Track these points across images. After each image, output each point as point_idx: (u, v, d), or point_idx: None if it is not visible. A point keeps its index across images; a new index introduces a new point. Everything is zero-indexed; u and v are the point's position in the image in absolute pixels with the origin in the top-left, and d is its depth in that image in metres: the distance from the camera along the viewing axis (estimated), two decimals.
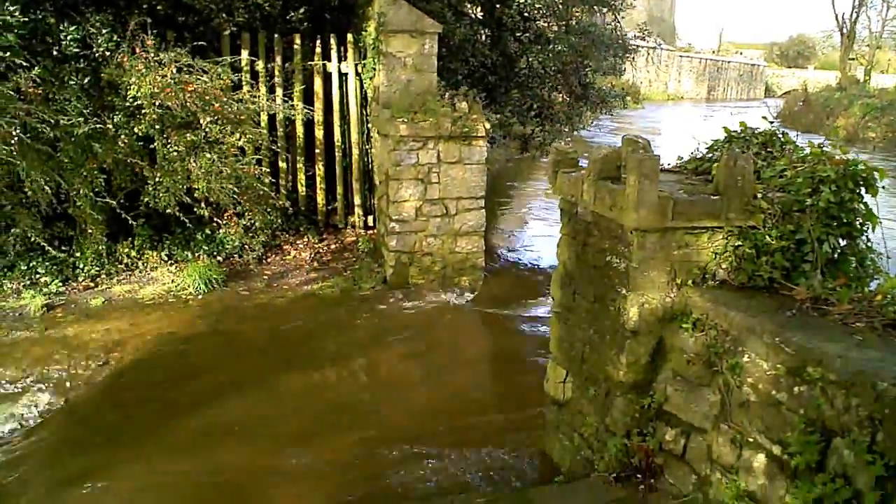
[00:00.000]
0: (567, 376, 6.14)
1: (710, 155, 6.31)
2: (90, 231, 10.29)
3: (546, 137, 16.64)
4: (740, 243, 5.23)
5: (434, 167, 10.78)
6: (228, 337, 9.13)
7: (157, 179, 10.24)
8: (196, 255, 11.12)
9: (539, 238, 14.57)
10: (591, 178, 5.54)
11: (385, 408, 7.67)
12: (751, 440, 4.58)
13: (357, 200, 12.78)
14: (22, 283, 10.05)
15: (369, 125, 12.50)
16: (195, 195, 10.35)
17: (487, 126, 10.90)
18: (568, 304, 6.07)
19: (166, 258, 10.97)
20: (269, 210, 11.35)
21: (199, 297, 10.15)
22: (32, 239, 9.76)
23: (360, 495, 6.20)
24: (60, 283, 10.13)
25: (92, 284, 10.34)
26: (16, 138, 8.57)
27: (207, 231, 11.38)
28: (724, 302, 5.00)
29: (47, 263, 10.32)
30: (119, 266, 10.72)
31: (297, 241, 12.28)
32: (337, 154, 12.55)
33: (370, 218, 12.83)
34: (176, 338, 8.95)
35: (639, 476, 5.22)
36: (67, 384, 7.89)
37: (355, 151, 12.56)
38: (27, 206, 10.02)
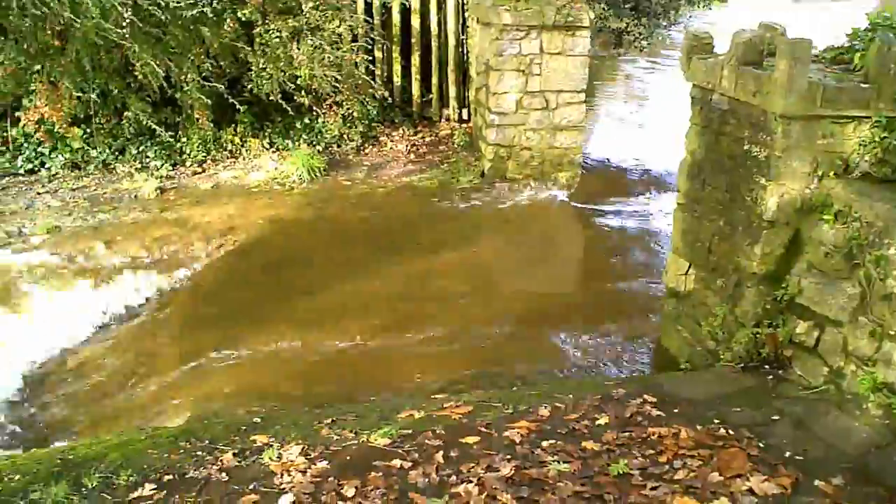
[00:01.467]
0: (689, 268, 6.11)
1: (851, 44, 6.00)
2: (197, 117, 10.46)
3: (642, 32, 16.06)
4: (887, 135, 5.03)
5: (536, 58, 10.53)
6: (334, 224, 9.31)
7: (260, 65, 10.29)
8: (296, 143, 11.25)
9: (623, 139, 14.24)
10: (732, 63, 5.35)
11: (486, 295, 7.75)
12: (892, 332, 4.52)
13: (452, 92, 12.64)
14: (133, 167, 10.35)
15: (466, 14, 12.23)
16: (298, 82, 10.40)
17: (591, 16, 10.55)
18: (695, 195, 5.98)
19: (268, 146, 11.13)
20: (367, 100, 11.35)
21: (303, 185, 10.32)
22: (144, 122, 10.00)
23: (474, 373, 6.36)
24: (170, 167, 10.40)
25: (199, 170, 10.60)
26: (127, 21, 8.65)
27: (306, 120, 11.46)
28: (868, 193, 4.86)
29: (156, 148, 10.60)
30: (223, 152, 10.93)
31: (393, 133, 12.28)
32: (433, 44, 12.35)
33: (465, 111, 12.70)
34: (285, 223, 9.17)
35: (766, 367, 5.23)
36: (188, 263, 8.20)
37: (451, 41, 12.34)
38: (137, 90, 10.26)
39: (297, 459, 4.21)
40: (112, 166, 10.43)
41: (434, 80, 12.58)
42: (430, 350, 6.66)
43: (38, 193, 9.71)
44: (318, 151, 11.22)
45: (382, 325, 7.01)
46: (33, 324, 7.10)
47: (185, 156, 10.73)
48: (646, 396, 4.86)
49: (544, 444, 4.27)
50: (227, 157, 10.96)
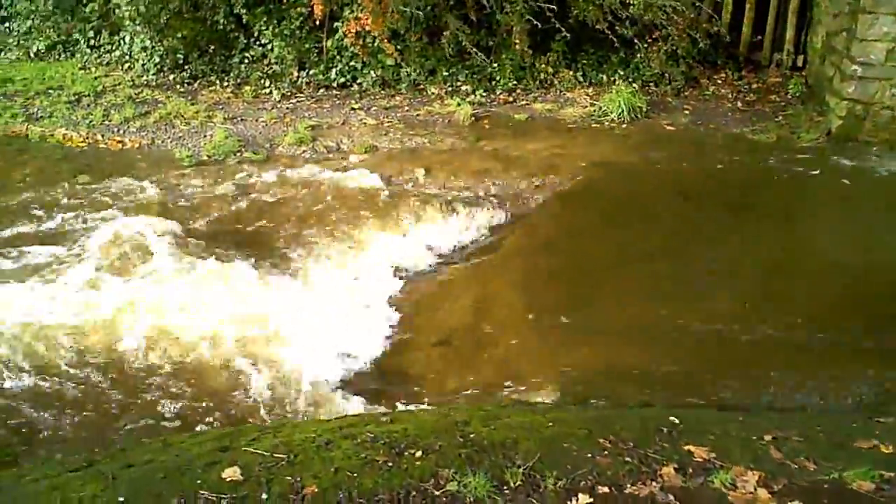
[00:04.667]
0: None
1: None
2: (514, 42, 9.63)
3: None
4: None
5: None
6: (664, 174, 8.19)
7: None
8: (611, 78, 10.16)
9: None
10: None
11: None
12: None
13: (789, 35, 10.91)
14: (444, 90, 9.77)
15: None
16: (630, 11, 9.26)
17: None
18: None
19: (581, 79, 10.15)
20: (700, 36, 9.99)
21: (623, 125, 9.26)
22: (463, 43, 9.34)
23: None
24: (483, 94, 9.70)
25: (510, 99, 9.84)
26: None
27: (622, 54, 10.30)
28: None
29: (466, 72, 9.97)
30: (534, 82, 10.09)
31: (714, 76, 10.85)
32: None
33: (800, 58, 10.94)
34: (610, 168, 8.18)
35: None
36: (515, 202, 7.49)
37: None
38: (451, 8, 9.59)
39: (759, 493, 3.25)
40: (422, 87, 9.92)
41: (770, 20, 10.90)
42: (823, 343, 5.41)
43: (353, 109, 9.39)
44: (636, 90, 10.05)
45: (756, 304, 5.84)
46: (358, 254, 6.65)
47: (494, 82, 10.00)
48: None
49: None
50: (538, 88, 10.11)
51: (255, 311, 5.78)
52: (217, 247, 6.46)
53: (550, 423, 3.79)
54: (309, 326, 5.69)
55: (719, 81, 10.76)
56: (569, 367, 5.03)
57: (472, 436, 3.59)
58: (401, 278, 6.39)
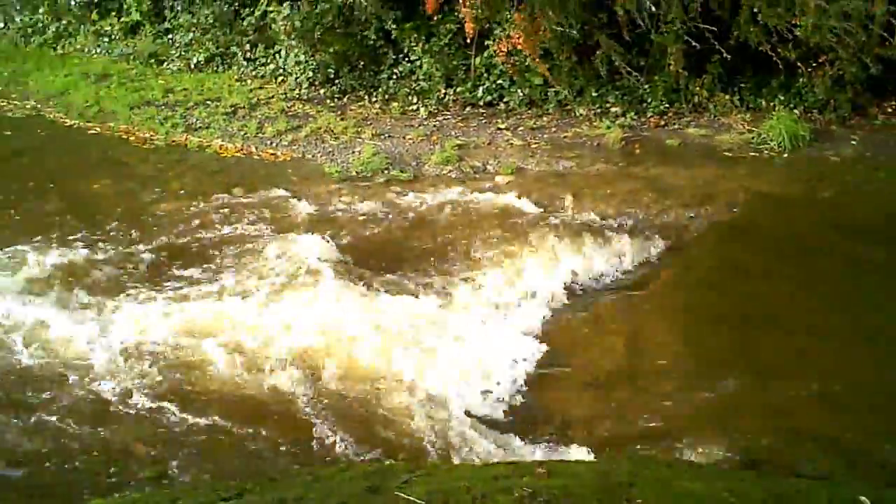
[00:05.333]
0: None
1: None
2: (669, 63, 9.25)
3: None
4: None
5: None
6: (830, 208, 7.62)
7: (754, 9, 8.75)
8: (770, 103, 9.59)
9: None
10: None
11: None
12: None
13: None
14: (592, 111, 9.50)
15: None
16: (797, 32, 8.70)
17: None
18: None
19: (738, 103, 9.63)
20: (870, 60, 9.27)
21: (784, 154, 8.70)
22: (617, 64, 9.06)
23: None
24: (633, 116, 9.37)
25: (661, 122, 9.45)
26: None
27: (783, 78, 9.71)
28: None
29: (616, 93, 9.65)
30: (687, 106, 9.65)
31: (884, 104, 10.05)
32: None
33: None
34: (771, 200, 7.71)
35: None
36: (670, 233, 7.13)
37: None
38: (608, 27, 9.31)
39: None
40: (569, 108, 9.68)
41: None
42: None
43: (499, 129, 9.27)
44: (798, 116, 9.45)
45: None
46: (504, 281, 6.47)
47: (645, 105, 9.64)
48: None
49: None
50: (691, 111, 9.66)
51: (400, 333, 5.69)
52: (366, 266, 6.45)
53: (727, 494, 3.48)
54: (454, 354, 5.56)
55: (889, 110, 9.99)
56: (737, 422, 4.67)
57: (638, 502, 3.34)
58: (548, 308, 6.17)
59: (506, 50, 9.23)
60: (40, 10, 13.31)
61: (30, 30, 13.46)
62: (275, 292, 5.98)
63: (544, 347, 5.69)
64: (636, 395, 5.23)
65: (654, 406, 5.11)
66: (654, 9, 8.50)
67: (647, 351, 5.62)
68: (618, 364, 5.52)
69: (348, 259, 6.55)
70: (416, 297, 6.10)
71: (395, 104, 9.94)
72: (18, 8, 13.79)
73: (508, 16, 9.28)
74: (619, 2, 8.83)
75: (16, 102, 10.65)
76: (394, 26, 10.12)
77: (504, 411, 5.18)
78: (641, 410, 5.08)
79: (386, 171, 8.28)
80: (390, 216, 7.46)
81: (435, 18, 9.99)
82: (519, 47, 9.08)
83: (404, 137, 9.10)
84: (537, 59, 9.17)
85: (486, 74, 9.95)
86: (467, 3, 9.26)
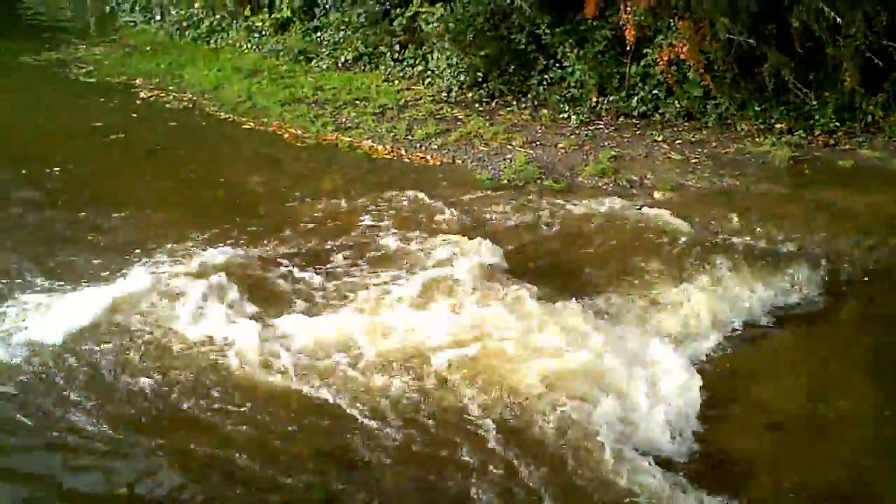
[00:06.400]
0: None
1: None
2: (843, 79, 8.65)
3: None
4: None
5: None
6: None
7: None
8: None
9: None
10: None
11: None
12: None
13: None
14: (755, 127, 9.00)
15: None
16: None
17: None
18: None
19: None
20: None
21: None
22: (786, 78, 8.55)
23: None
24: (803, 134, 8.80)
25: (830, 141, 8.85)
26: None
27: None
28: None
29: (781, 108, 9.11)
30: (859, 125, 9.01)
31: None
32: None
33: None
34: None
35: None
36: (840, 261, 6.61)
37: None
38: (777, 38, 8.80)
39: None
40: (730, 122, 9.20)
41: None
42: None
43: (655, 141, 8.89)
44: None
45: None
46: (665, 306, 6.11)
47: (813, 122, 9.04)
48: None
49: None
50: (863, 131, 9.02)
51: (555, 354, 5.42)
52: (519, 278, 6.23)
53: None
54: (617, 382, 5.26)
55: None
56: None
57: None
58: (717, 339, 5.79)
59: (667, 59, 8.84)
60: (195, 5, 13.79)
61: (185, 23, 13.97)
62: (440, 298, 5.82)
63: (716, 382, 5.32)
64: (821, 441, 4.82)
65: (841, 456, 4.70)
66: (838, 20, 7.94)
67: (830, 392, 5.19)
68: (799, 405, 5.12)
69: (501, 269, 6.35)
70: (577, 313, 5.81)
71: (545, 111, 9.71)
72: (175, 2, 14.32)
73: (672, 23, 8.90)
74: (794, 12, 8.32)
75: (174, 94, 11.00)
76: (546, 31, 9.90)
77: (673, 449, 4.85)
78: (828, 460, 4.68)
79: (539, 181, 8.05)
80: (544, 227, 7.23)
81: (589, 24, 9.70)
82: (682, 57, 8.67)
83: (556, 146, 8.86)
84: (701, 70, 8.73)
85: (640, 83, 9.59)
86: (628, 9, 8.93)
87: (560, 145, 8.85)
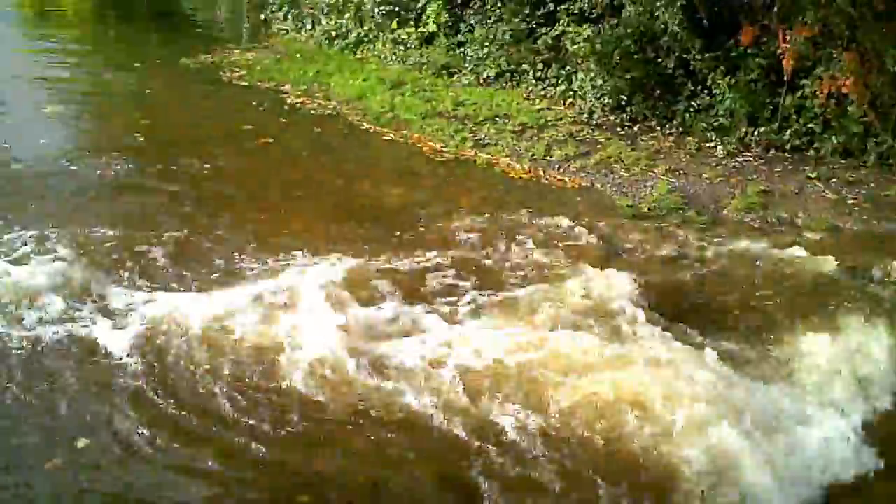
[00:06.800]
0: None
1: None
2: None
3: None
4: None
5: None
6: None
7: None
8: None
9: None
10: None
11: None
12: None
13: None
14: None
15: None
16: None
17: None
18: None
19: None
20: None
21: None
22: None
23: None
24: None
25: None
26: None
27: None
28: None
29: None
30: None
31: None
32: None
33: None
34: None
35: None
36: None
37: None
38: None
39: None
40: (891, 162, 8.63)
41: None
42: None
43: (808, 177, 8.44)
44: None
45: None
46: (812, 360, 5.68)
47: None
48: None
49: None
50: None
51: (712, 400, 5.14)
52: (657, 315, 6.01)
53: None
54: (781, 445, 4.88)
55: None
56: None
57: None
58: (884, 407, 5.33)
59: (827, 91, 8.40)
60: (345, 16, 14.20)
61: (333, 33, 14.41)
62: (577, 328, 5.69)
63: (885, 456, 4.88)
64: None
65: None
66: None
67: None
68: None
69: (645, 303, 6.15)
70: (725, 361, 5.51)
71: (690, 139, 9.42)
72: (326, 12, 14.79)
73: (834, 54, 8.45)
74: None
75: (320, 101, 11.33)
76: (697, 56, 9.61)
77: None
78: None
79: (681, 212, 7.79)
80: (686, 261, 6.98)
81: (743, 51, 9.35)
82: (844, 90, 8.21)
83: (700, 176, 8.56)
84: (864, 105, 8.24)
85: (795, 116, 9.14)
86: (788, 38, 8.55)
87: (705, 175, 8.55)
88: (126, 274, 6.24)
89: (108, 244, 6.67)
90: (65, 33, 16.74)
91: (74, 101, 11.49)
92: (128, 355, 5.25)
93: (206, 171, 8.62)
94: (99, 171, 8.37)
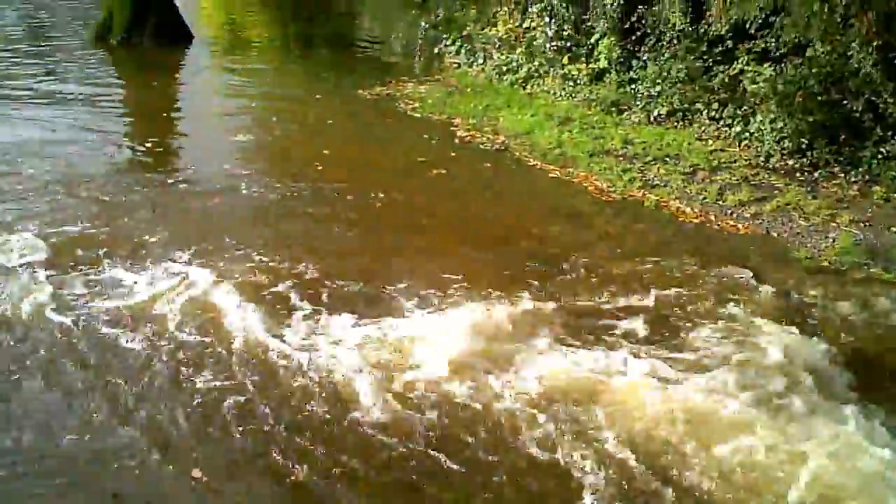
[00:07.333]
0: None
1: None
2: None
3: None
4: None
5: None
6: None
7: None
8: None
9: None
10: None
11: None
12: None
13: None
14: None
15: None
16: None
17: None
18: None
19: None
20: None
21: None
22: None
23: None
24: None
25: None
26: None
27: None
28: None
29: None
30: None
31: None
32: None
33: None
34: None
35: None
36: None
37: None
38: None
39: None
40: None
41: None
42: None
43: None
44: None
45: None
46: None
47: None
48: None
49: None
50: None
51: None
52: (842, 384, 5.70)
53: None
54: None
55: None
56: None
57: None
58: None
59: None
60: (517, 51, 14.40)
61: (504, 68, 14.63)
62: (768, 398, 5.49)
63: None
64: None
65: None
66: None
67: None
68: None
69: (831, 373, 5.84)
70: None
71: (877, 188, 8.88)
72: (498, 47, 15.09)
73: None
74: None
75: (488, 136, 11.55)
76: (889, 99, 9.07)
77: None
78: None
79: (865, 267, 7.37)
80: (871, 321, 6.59)
81: None
82: None
83: (889, 229, 8.05)
84: None
85: None
86: None
87: (893, 228, 8.03)
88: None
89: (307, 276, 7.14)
90: (252, 63, 17.88)
91: (261, 130, 12.32)
92: None
93: (380, 199, 9.02)
94: (278, 196, 8.98)
